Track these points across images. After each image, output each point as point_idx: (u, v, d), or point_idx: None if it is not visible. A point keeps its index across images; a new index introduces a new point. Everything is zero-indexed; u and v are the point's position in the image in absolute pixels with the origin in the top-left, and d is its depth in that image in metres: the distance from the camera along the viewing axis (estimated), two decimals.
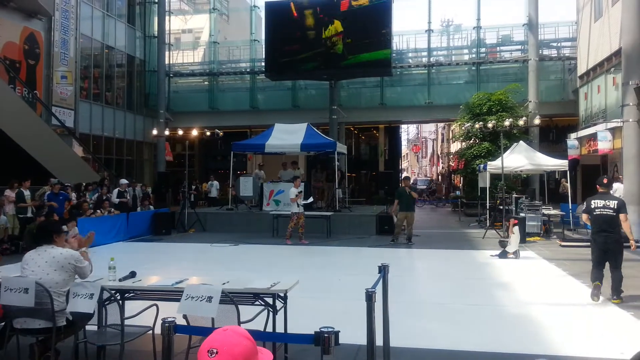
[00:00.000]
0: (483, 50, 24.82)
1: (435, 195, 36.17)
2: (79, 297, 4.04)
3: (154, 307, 4.42)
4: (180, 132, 19.52)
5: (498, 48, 25.83)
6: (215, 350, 1.42)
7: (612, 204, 6.99)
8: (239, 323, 3.92)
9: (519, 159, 15.78)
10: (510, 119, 16.64)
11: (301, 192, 13.21)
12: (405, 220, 13.00)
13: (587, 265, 9.59)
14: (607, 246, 6.97)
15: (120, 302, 4.36)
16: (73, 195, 14.33)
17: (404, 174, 37.38)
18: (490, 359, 4.80)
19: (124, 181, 16.00)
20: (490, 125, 16.58)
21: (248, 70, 26.50)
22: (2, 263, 9.28)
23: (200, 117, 25.60)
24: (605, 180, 7.37)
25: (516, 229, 10.90)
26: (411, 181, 20.88)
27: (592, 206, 7.11)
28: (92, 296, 4.02)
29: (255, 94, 26.03)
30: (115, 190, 15.48)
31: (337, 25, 21.75)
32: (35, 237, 4.52)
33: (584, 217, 7.51)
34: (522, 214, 13.79)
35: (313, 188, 17.69)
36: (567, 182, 16.70)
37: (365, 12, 21.48)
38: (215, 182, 22.64)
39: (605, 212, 6.97)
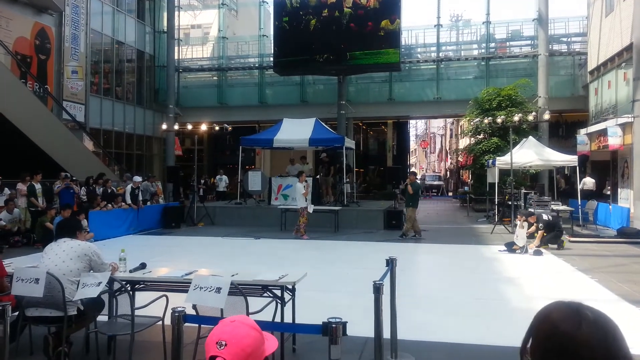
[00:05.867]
0: (492, 45, 24.65)
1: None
2: (87, 286, 4.10)
3: (164, 298, 4.47)
4: (190, 127, 19.59)
5: (507, 43, 25.63)
6: (224, 342, 1.40)
7: None
8: (248, 314, 3.96)
9: (528, 154, 15.70)
10: (520, 114, 16.55)
11: (307, 184, 13.54)
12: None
13: (596, 260, 9.60)
14: None
15: (131, 292, 4.42)
16: (82, 190, 14.42)
17: (411, 169, 37.61)
18: (497, 352, 4.81)
19: (137, 178, 15.38)
20: (499, 120, 16.50)
21: (256, 65, 26.51)
22: (15, 255, 9.41)
23: (209, 112, 25.67)
24: None
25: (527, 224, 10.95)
26: (418, 176, 20.93)
27: None
28: (99, 284, 4.08)
29: (263, 89, 26.06)
30: (128, 187, 14.88)
31: (346, 21, 21.70)
32: (57, 232, 4.62)
33: None
34: (530, 209, 13.75)
35: (320, 183, 17.71)
36: (561, 178, 17.26)
37: (375, 10, 21.42)
38: (224, 177, 22.71)
39: None
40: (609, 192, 18.34)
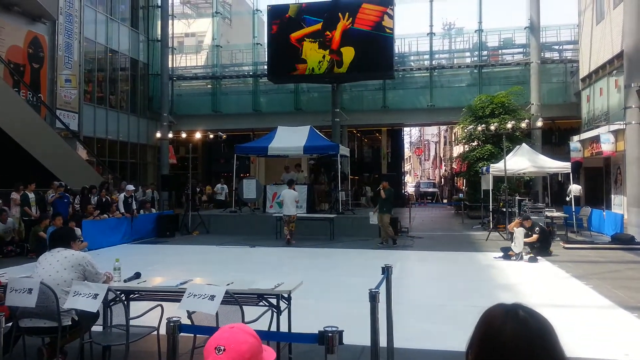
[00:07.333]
0: (485, 53, 24.83)
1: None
2: (80, 295, 4.05)
3: (159, 307, 4.44)
4: (184, 135, 19.57)
5: (500, 51, 25.83)
6: (222, 348, 1.41)
7: None
8: (243, 323, 3.93)
9: (522, 161, 15.77)
10: (513, 122, 16.64)
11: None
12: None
13: (590, 267, 9.62)
14: None
15: (126, 302, 4.39)
16: (77, 199, 14.35)
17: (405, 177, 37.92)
18: None
19: (130, 187, 15.17)
20: (492, 127, 16.58)
21: (251, 73, 26.55)
22: (8, 265, 9.34)
23: (203, 120, 25.66)
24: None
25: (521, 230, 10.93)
26: (412, 183, 20.96)
27: None
28: (96, 296, 4.04)
29: (258, 97, 26.09)
30: (121, 196, 14.63)
31: (339, 29, 21.80)
32: (51, 242, 4.58)
33: None
34: (527, 214, 13.79)
35: (316, 190, 17.72)
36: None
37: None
38: (225, 186, 22.54)
39: None
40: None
